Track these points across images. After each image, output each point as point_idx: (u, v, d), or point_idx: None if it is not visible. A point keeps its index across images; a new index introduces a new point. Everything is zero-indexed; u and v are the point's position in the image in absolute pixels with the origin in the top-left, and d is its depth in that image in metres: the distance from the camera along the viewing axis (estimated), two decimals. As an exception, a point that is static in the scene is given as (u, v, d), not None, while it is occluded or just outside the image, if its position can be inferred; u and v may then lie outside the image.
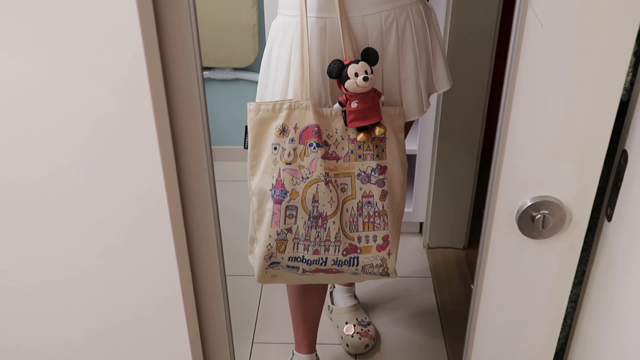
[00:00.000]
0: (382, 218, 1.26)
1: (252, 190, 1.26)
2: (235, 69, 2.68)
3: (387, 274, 1.33)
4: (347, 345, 1.87)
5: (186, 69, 0.71)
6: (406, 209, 2.32)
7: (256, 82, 1.39)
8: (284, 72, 1.26)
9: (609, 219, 0.79)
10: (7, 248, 0.78)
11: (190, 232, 0.82)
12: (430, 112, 2.02)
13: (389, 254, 1.30)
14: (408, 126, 1.48)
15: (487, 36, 1.89)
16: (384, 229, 1.27)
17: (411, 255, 2.31)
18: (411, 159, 2.24)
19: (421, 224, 2.38)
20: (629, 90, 0.74)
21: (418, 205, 2.30)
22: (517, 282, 0.82)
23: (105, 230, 0.76)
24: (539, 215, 0.76)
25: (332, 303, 1.98)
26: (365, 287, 2.13)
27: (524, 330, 0.87)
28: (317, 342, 1.81)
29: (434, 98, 1.79)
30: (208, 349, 0.92)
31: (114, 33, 0.64)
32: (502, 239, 0.79)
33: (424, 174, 2.21)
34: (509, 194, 0.76)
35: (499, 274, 0.81)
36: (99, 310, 0.83)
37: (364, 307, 2.01)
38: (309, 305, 1.66)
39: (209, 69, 2.69)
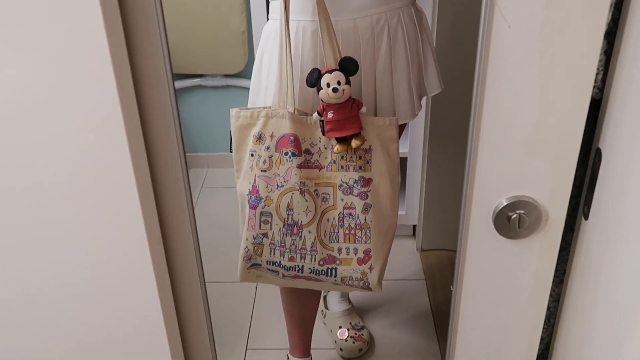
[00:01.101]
0: (363, 231, 1.23)
1: (237, 192, 1.28)
2: (226, 76, 2.69)
3: (368, 288, 1.29)
4: (340, 349, 1.87)
5: (157, 77, 0.71)
6: (399, 212, 2.33)
7: (247, 89, 1.39)
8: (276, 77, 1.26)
9: (586, 217, 0.79)
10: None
11: (168, 242, 0.82)
12: (420, 114, 2.01)
13: (370, 268, 1.26)
14: (400, 130, 1.48)
15: (474, 37, 1.89)
16: (365, 242, 1.24)
17: (405, 258, 2.30)
18: (402, 162, 2.23)
19: (414, 226, 2.38)
20: (601, 89, 0.74)
21: (410, 208, 2.30)
22: (497, 282, 0.82)
23: (76, 246, 0.76)
24: (514, 215, 0.76)
25: (326, 307, 1.98)
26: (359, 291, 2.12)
27: (506, 331, 0.87)
28: (311, 346, 1.81)
29: (423, 100, 1.80)
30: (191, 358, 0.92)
31: (81, 45, 0.64)
32: (479, 239, 0.79)
33: (416, 176, 2.21)
34: (484, 194, 0.76)
35: (477, 275, 0.81)
36: (77, 330, 0.83)
37: (357, 311, 2.01)
38: (304, 309, 1.66)
39: (199, 76, 2.69)
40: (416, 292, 2.15)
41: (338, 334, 1.89)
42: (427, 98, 1.91)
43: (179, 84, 2.70)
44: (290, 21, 1.17)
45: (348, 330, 1.89)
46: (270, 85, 1.28)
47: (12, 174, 0.71)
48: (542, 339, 0.91)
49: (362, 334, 1.89)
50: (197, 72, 2.67)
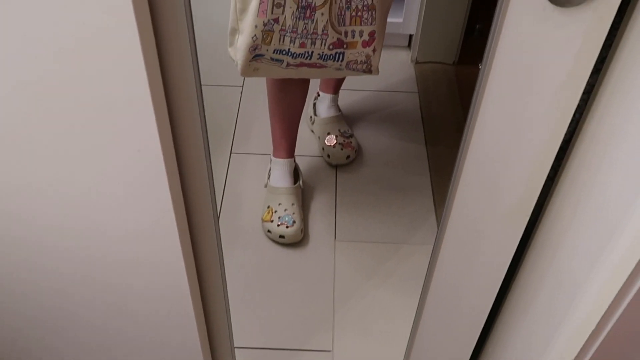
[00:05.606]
0: (370, 12, 1.20)
1: None
2: None
3: (370, 71, 1.30)
4: (328, 156, 1.82)
5: None
6: (396, 20, 2.17)
7: None
8: None
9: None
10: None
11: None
12: None
13: (373, 50, 1.25)
14: None
15: None
16: (371, 24, 1.21)
17: (398, 69, 2.19)
18: (404, -36, 2.04)
19: (410, 36, 2.24)
20: None
21: (409, 16, 2.14)
22: (532, 60, 0.71)
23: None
24: (569, -24, 0.64)
25: (315, 114, 1.90)
26: (349, 99, 2.04)
27: (528, 124, 0.79)
28: (298, 153, 1.75)
29: None
30: (184, 164, 0.83)
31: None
32: (521, 5, 0.67)
33: (418, -21, 2.03)
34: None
35: (512, 49, 0.70)
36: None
37: (346, 119, 1.93)
38: (288, 102, 1.59)
39: None
40: (408, 103, 2.07)
41: (326, 140, 1.84)
42: None
43: None
44: None
45: (336, 137, 1.84)
46: None
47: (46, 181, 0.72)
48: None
49: (351, 142, 1.84)
50: None
